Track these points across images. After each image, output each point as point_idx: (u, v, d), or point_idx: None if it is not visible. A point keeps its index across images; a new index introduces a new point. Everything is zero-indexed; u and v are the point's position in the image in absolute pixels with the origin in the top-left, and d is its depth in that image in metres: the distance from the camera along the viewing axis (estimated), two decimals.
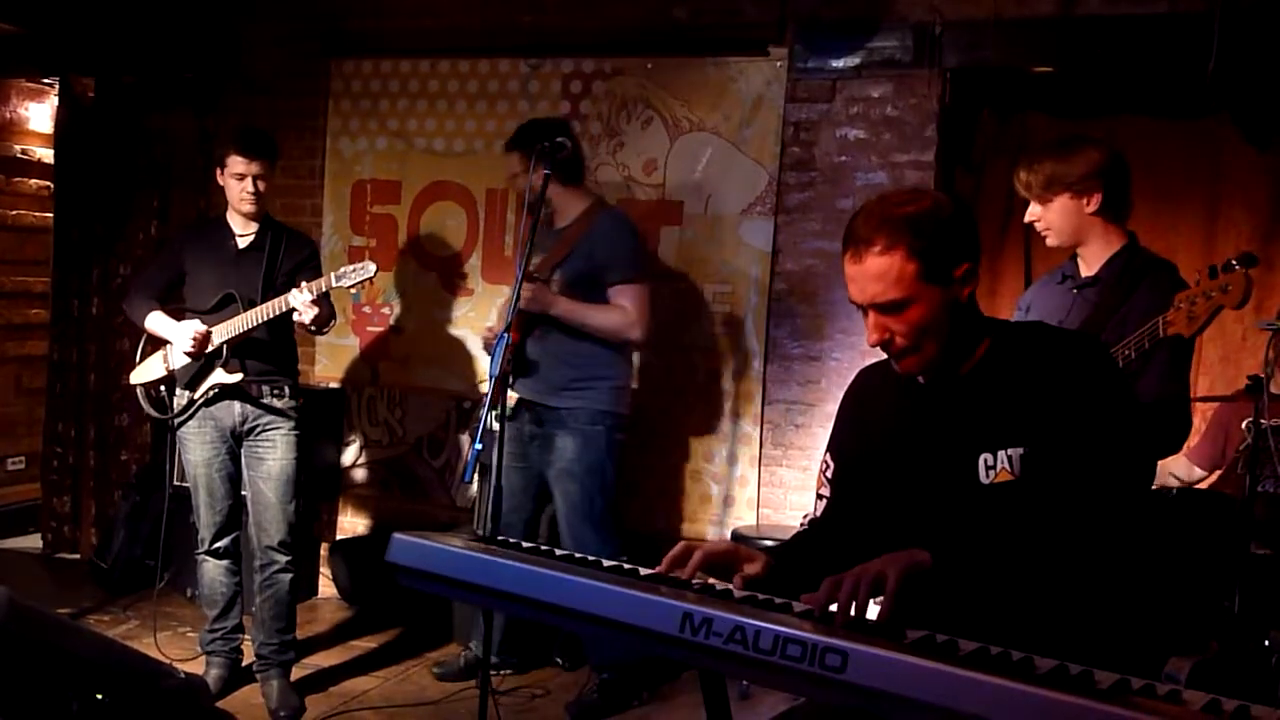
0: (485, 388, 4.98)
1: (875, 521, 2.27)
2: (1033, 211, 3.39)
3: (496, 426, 4.04)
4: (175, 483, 5.37)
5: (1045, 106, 4.97)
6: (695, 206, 5.18)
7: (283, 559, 4.47)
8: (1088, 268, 3.39)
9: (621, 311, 4.40)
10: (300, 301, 4.17)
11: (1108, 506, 2.05)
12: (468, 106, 5.69)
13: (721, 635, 1.77)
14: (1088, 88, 4.86)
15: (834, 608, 1.93)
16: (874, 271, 2.11)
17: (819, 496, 2.44)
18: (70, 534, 6.48)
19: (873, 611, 1.93)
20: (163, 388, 4.51)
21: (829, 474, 2.42)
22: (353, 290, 4.35)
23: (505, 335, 3.76)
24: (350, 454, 5.98)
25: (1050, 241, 3.41)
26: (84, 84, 6.35)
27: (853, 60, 4.97)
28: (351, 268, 4.25)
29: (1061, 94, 4.92)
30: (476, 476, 5.08)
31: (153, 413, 4.58)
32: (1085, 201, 3.29)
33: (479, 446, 3.54)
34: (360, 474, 5.98)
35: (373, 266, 4.26)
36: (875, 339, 2.17)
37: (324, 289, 4.24)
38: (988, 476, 2.14)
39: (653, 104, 5.30)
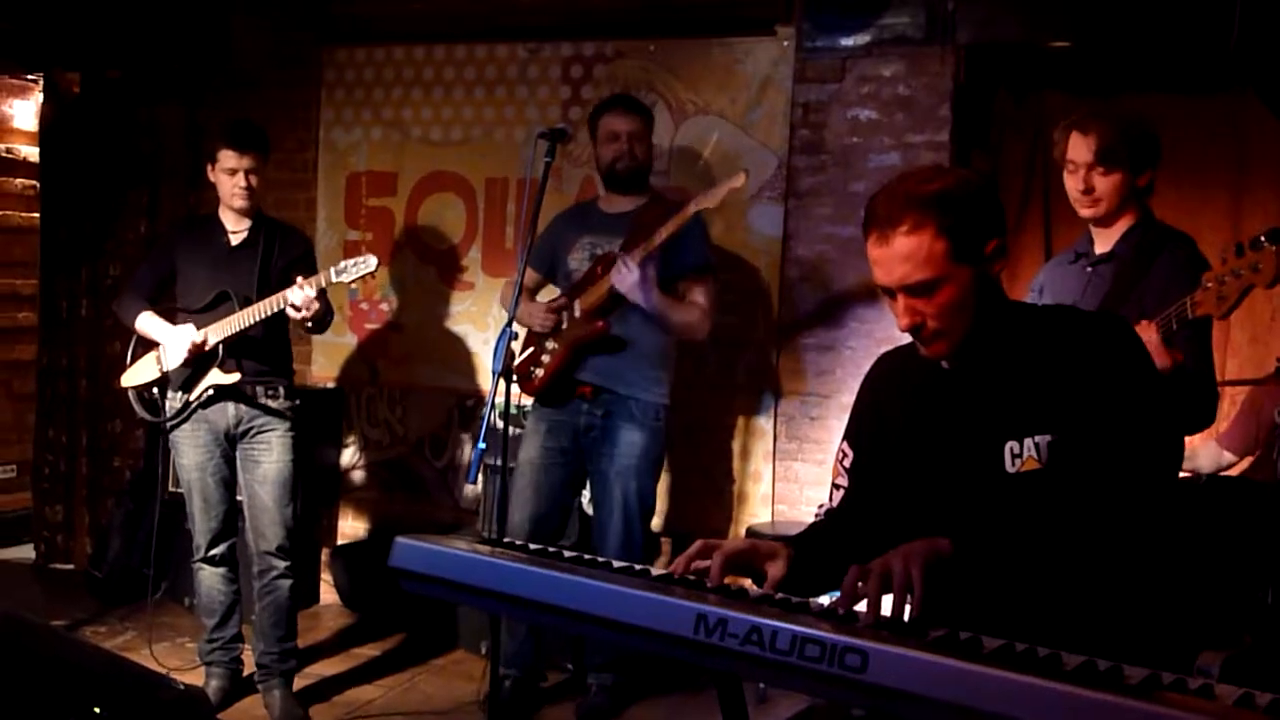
0: (489, 384, 5.00)
1: (896, 512, 2.27)
2: (1087, 180, 3.29)
3: (501, 424, 4.04)
4: (170, 489, 5.39)
5: (1063, 84, 4.97)
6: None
7: (281, 565, 4.47)
8: (1102, 244, 3.37)
9: (700, 310, 4.43)
10: (298, 298, 4.17)
11: (1137, 495, 2.05)
12: (465, 93, 5.69)
13: (737, 636, 1.78)
14: (1107, 63, 4.84)
15: (859, 606, 1.93)
16: (902, 252, 2.10)
17: (835, 487, 2.43)
18: (63, 543, 6.49)
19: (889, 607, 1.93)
20: (155, 390, 4.51)
21: (847, 463, 2.41)
22: (351, 286, 4.35)
23: (509, 329, 3.76)
24: (349, 456, 5.99)
25: (1088, 213, 3.34)
26: (69, 79, 6.36)
27: (863, 38, 4.96)
28: (351, 262, 4.25)
29: (1080, 70, 4.91)
30: (481, 477, 5.10)
31: (145, 416, 4.59)
32: (1137, 180, 3.28)
33: (483, 445, 3.55)
34: (360, 476, 5.99)
35: (373, 260, 4.26)
36: (907, 323, 2.15)
37: (323, 285, 4.24)
38: (1014, 465, 2.13)
39: (656, 87, 5.30)
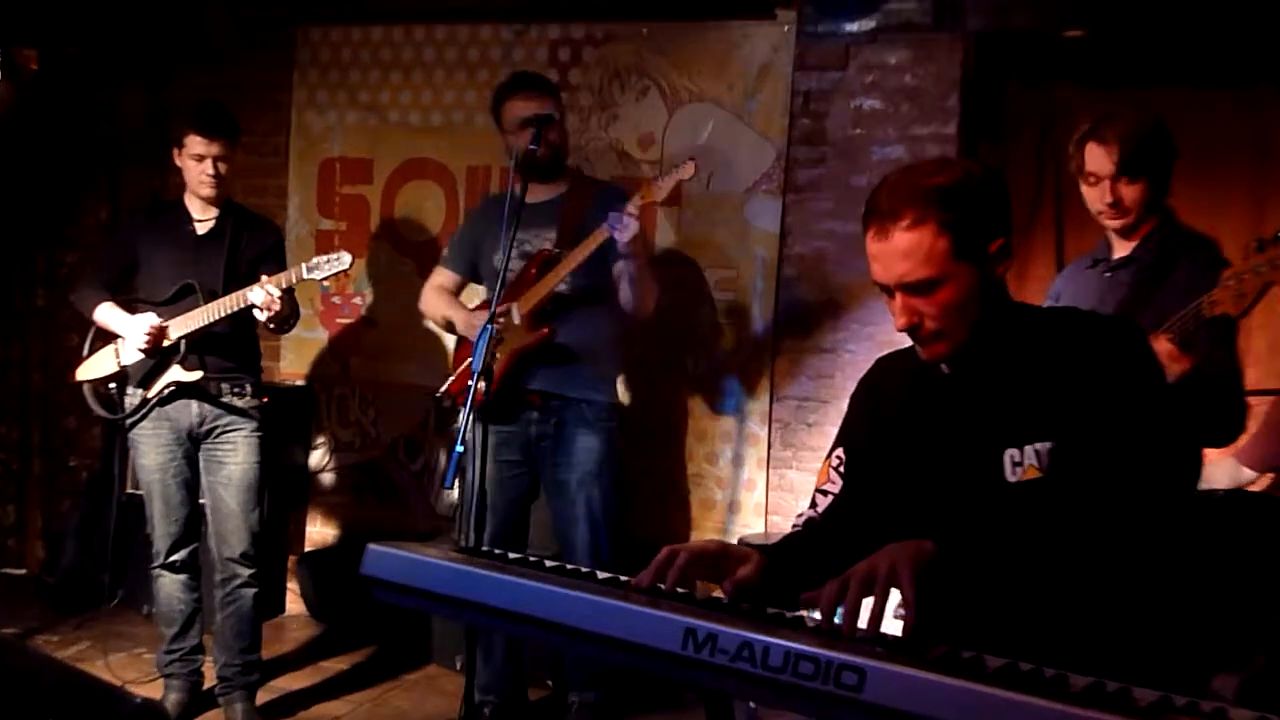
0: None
1: (888, 521, 2.28)
2: (1113, 192, 3.28)
3: (480, 427, 4.04)
4: (128, 490, 5.38)
5: (1077, 74, 4.98)
6: (696, 185, 5.17)
7: (245, 572, 4.48)
8: (1121, 248, 3.39)
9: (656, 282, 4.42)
10: (259, 298, 4.16)
11: (1142, 506, 2.05)
12: (446, 76, 5.69)
13: (728, 652, 1.77)
14: (1123, 54, 4.85)
15: (840, 614, 1.93)
16: (902, 248, 2.10)
17: (821, 492, 2.43)
18: (14, 547, 6.47)
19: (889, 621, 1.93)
20: (113, 385, 4.49)
21: (840, 468, 2.42)
22: (324, 282, 4.34)
23: (489, 326, 3.75)
24: (318, 457, 5.98)
25: (1117, 224, 3.33)
26: (26, 55, 6.33)
27: (867, 23, 4.97)
28: (324, 258, 4.25)
29: (1095, 61, 4.92)
30: (458, 482, 5.08)
31: (101, 412, 4.57)
32: (1162, 177, 3.29)
33: (460, 449, 3.54)
34: (330, 479, 5.98)
35: (348, 257, 4.26)
36: (904, 323, 2.16)
37: (292, 282, 4.23)
38: (1014, 474, 2.14)
39: (649, 73, 5.30)
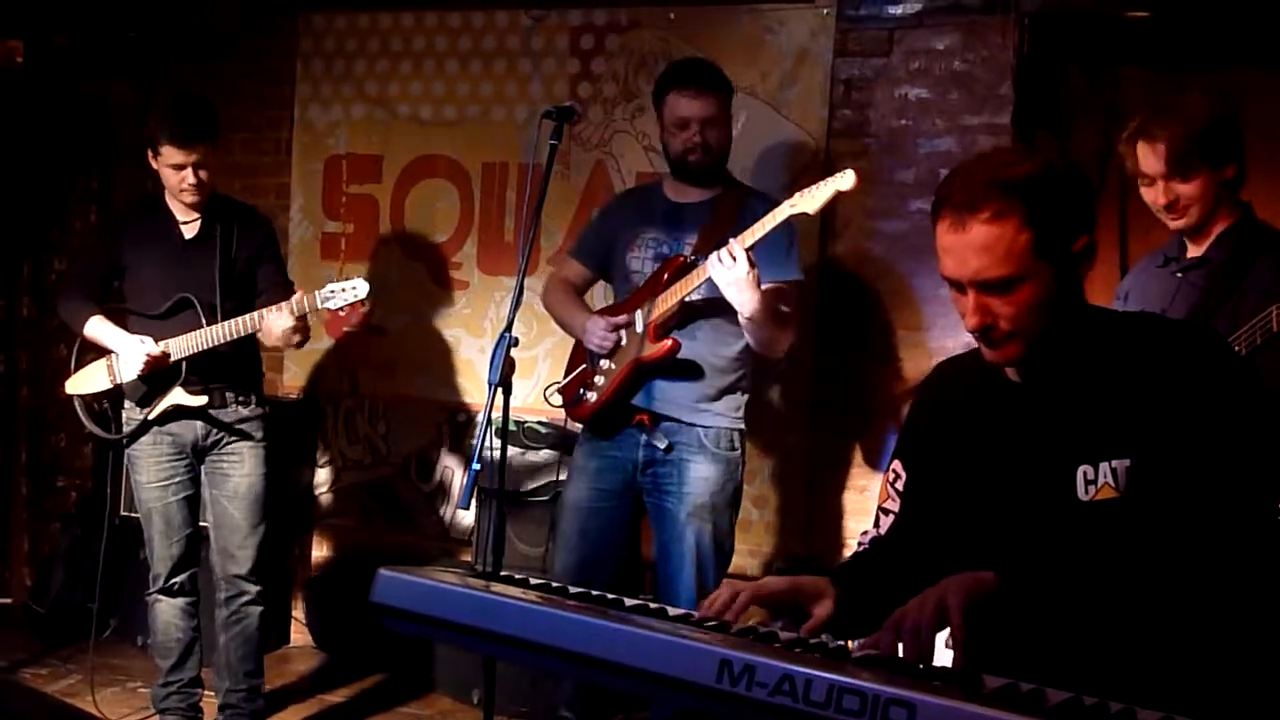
0: (484, 397, 5.00)
1: (952, 542, 2.27)
2: (1165, 192, 3.28)
3: (498, 443, 4.03)
4: (121, 513, 5.41)
5: (1140, 58, 4.95)
6: None
7: (252, 589, 4.52)
8: (1195, 247, 3.37)
9: (793, 321, 4.27)
10: (280, 325, 4.19)
11: (1228, 532, 2.03)
12: (459, 67, 5.71)
13: (766, 686, 1.77)
14: (1190, 35, 4.83)
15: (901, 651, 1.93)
16: (980, 243, 2.09)
17: (884, 511, 2.43)
18: None
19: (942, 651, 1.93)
20: (106, 402, 4.51)
21: (899, 484, 2.41)
22: (341, 312, 4.33)
23: (506, 335, 3.75)
24: (324, 477, 6.00)
25: (1180, 224, 3.32)
26: (10, 47, 6.39)
27: (913, 6, 4.97)
28: (340, 286, 4.27)
29: (1160, 42, 4.90)
30: (475, 503, 5.10)
31: (95, 430, 4.59)
32: (1224, 172, 3.27)
33: (477, 467, 3.54)
34: (336, 500, 6.00)
35: (365, 286, 4.29)
36: (975, 323, 2.15)
37: (305, 310, 4.24)
38: (1087, 492, 2.13)
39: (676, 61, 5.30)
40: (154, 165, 4.39)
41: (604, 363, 4.25)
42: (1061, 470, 2.15)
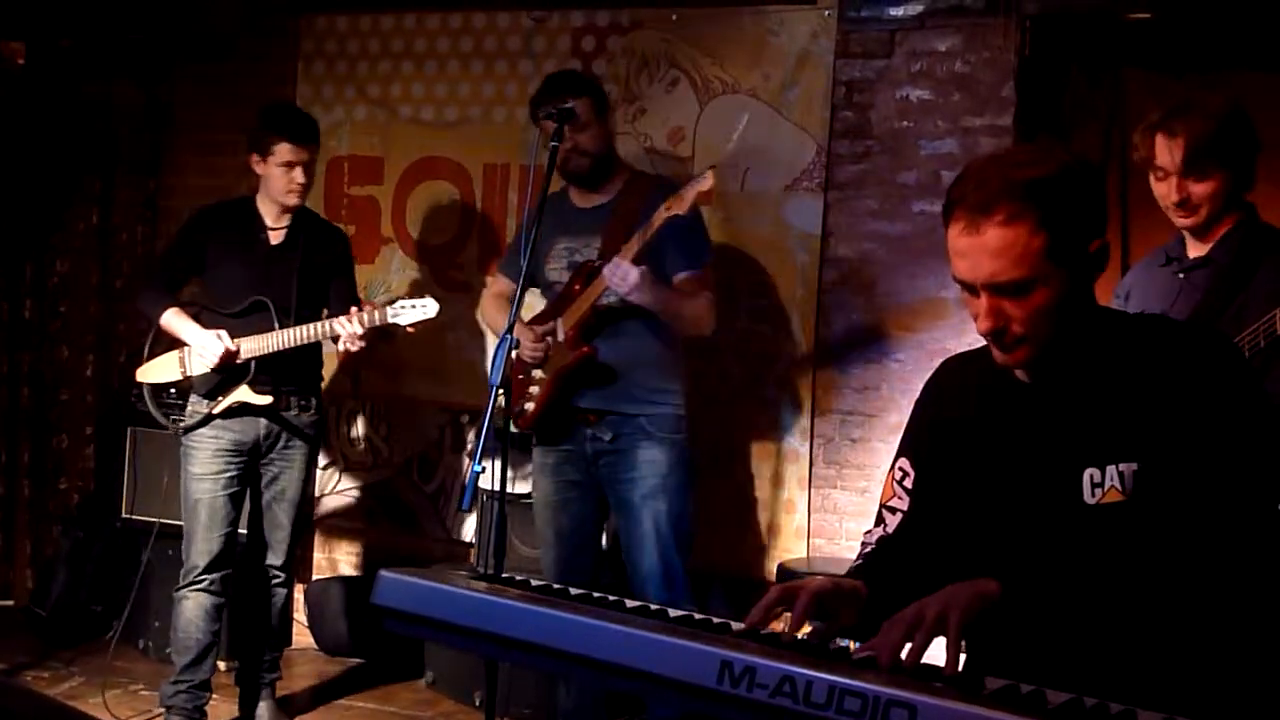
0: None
1: (958, 543, 2.26)
2: (1178, 189, 3.25)
3: (499, 444, 4.04)
4: (124, 514, 5.42)
5: (1143, 60, 4.96)
6: (730, 182, 5.18)
7: (282, 575, 4.77)
8: (1198, 247, 3.36)
9: (707, 299, 4.39)
10: (349, 333, 4.40)
11: (1235, 538, 2.03)
12: (461, 68, 5.71)
13: (767, 687, 1.77)
14: (1193, 37, 4.83)
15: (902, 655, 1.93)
16: (995, 246, 2.07)
17: (889, 510, 2.41)
18: (2, 576, 6.51)
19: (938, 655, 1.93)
20: (174, 391, 4.72)
21: (907, 482, 2.39)
22: (409, 329, 4.52)
23: (508, 336, 3.76)
24: (326, 479, 6.00)
25: (1187, 223, 3.31)
26: (12, 49, 6.39)
27: (915, 7, 4.97)
28: (410, 303, 4.47)
29: (1162, 45, 4.90)
30: (476, 504, 5.10)
31: (157, 417, 4.78)
32: (1237, 173, 3.25)
33: (479, 468, 3.54)
34: (339, 502, 6.01)
35: (434, 306, 4.46)
36: (989, 325, 2.12)
37: (375, 323, 4.44)
38: (1093, 495, 2.12)
39: (679, 62, 5.31)
40: (257, 169, 4.62)
41: (537, 373, 4.40)
42: (1068, 472, 2.14)
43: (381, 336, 4.69)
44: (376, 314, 4.43)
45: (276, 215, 4.67)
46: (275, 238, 4.67)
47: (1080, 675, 1.95)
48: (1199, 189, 3.24)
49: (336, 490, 5.99)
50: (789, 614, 2.10)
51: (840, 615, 2.16)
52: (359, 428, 5.96)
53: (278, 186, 4.58)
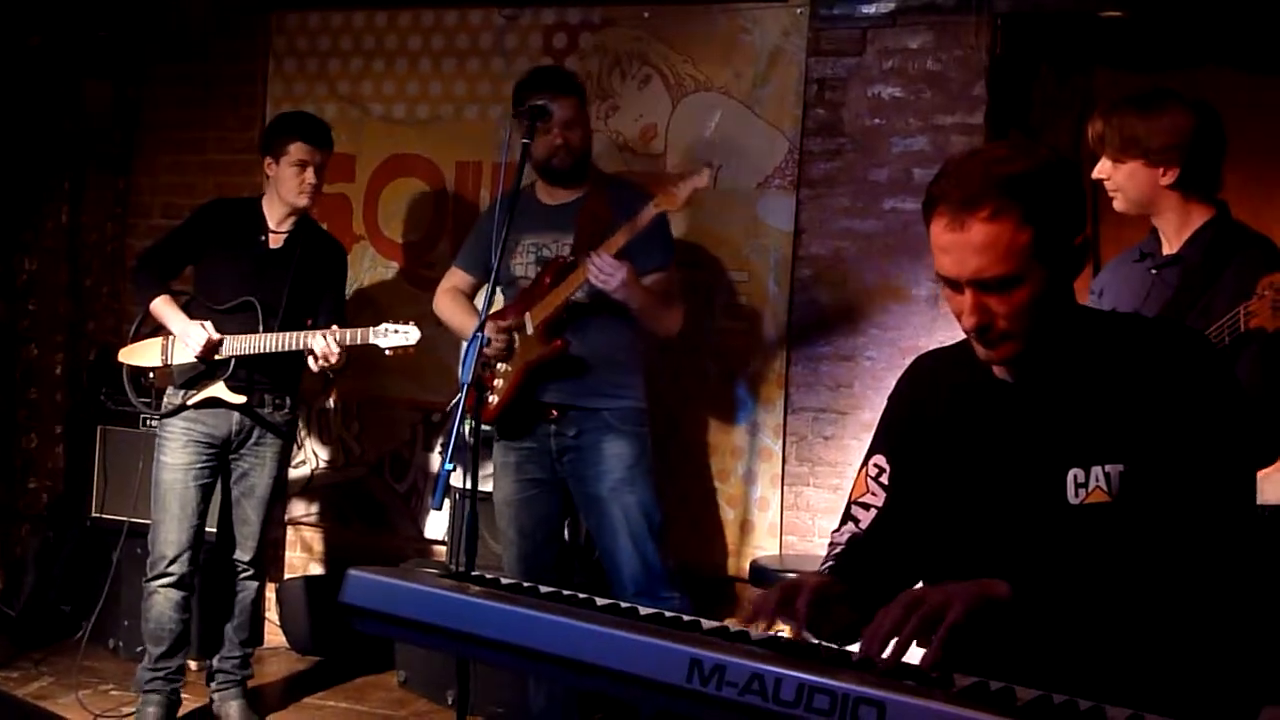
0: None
1: (936, 542, 2.26)
2: (1103, 168, 3.39)
3: (470, 442, 4.04)
4: (93, 514, 5.41)
5: (1114, 59, 4.97)
6: None
7: (250, 570, 4.78)
8: (1169, 244, 3.38)
9: (678, 303, 4.49)
10: (321, 348, 4.43)
11: (1219, 538, 2.03)
12: (432, 65, 5.70)
13: (736, 685, 1.77)
14: (1164, 36, 4.84)
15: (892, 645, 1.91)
16: (979, 241, 2.06)
17: (861, 506, 2.40)
18: None
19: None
20: (152, 376, 4.80)
21: (884, 478, 2.38)
22: (388, 353, 4.53)
23: (479, 334, 3.75)
24: (297, 477, 5.97)
25: (1117, 205, 3.42)
26: None
27: (886, 5, 4.98)
28: (394, 327, 4.49)
29: (1133, 44, 4.91)
30: (448, 502, 5.09)
31: (133, 399, 4.94)
32: (1161, 173, 3.28)
33: (450, 466, 3.53)
34: (309, 501, 5.98)
35: (416, 334, 4.49)
36: (973, 322, 2.12)
37: (356, 342, 4.48)
38: (1077, 496, 2.11)
39: (651, 60, 5.31)
40: (270, 172, 4.69)
41: (500, 365, 4.41)
42: (1051, 472, 2.14)
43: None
44: (359, 334, 4.47)
45: (280, 219, 4.72)
46: (275, 242, 4.72)
47: (1057, 670, 1.95)
48: (1117, 175, 3.37)
49: (309, 489, 5.97)
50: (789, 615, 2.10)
51: (834, 614, 2.16)
52: (331, 426, 5.94)
53: (289, 187, 4.63)
